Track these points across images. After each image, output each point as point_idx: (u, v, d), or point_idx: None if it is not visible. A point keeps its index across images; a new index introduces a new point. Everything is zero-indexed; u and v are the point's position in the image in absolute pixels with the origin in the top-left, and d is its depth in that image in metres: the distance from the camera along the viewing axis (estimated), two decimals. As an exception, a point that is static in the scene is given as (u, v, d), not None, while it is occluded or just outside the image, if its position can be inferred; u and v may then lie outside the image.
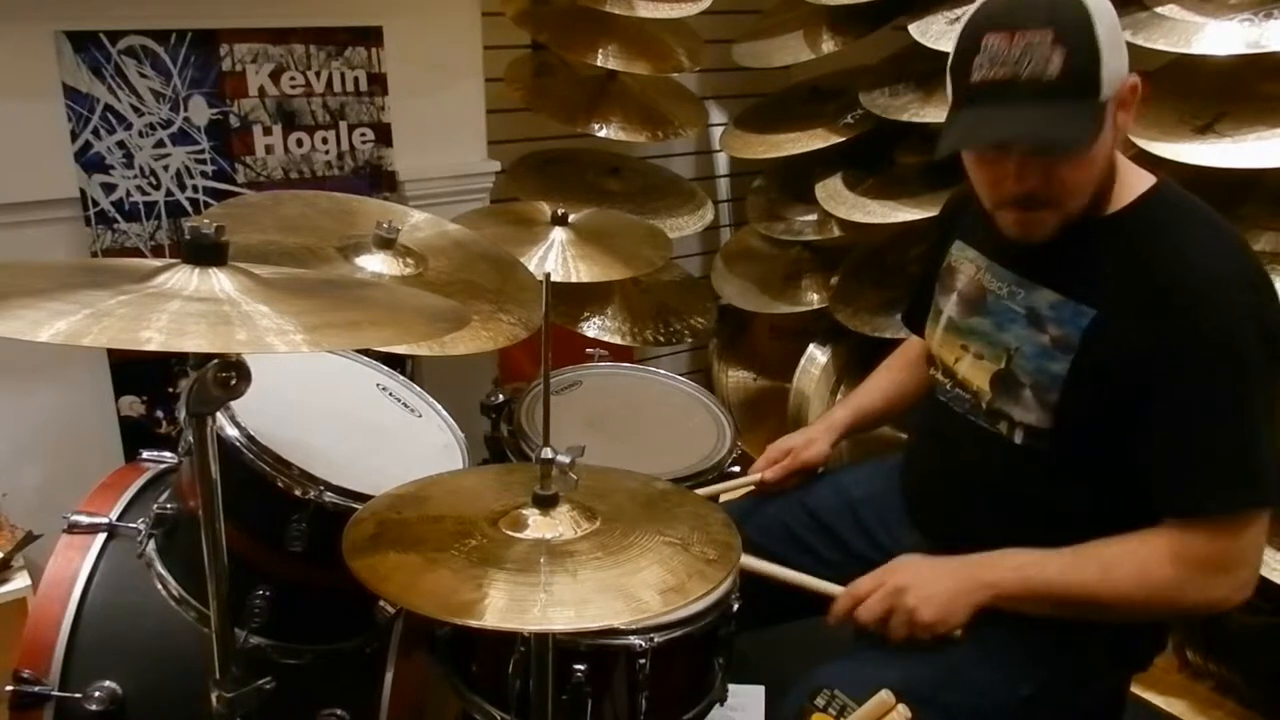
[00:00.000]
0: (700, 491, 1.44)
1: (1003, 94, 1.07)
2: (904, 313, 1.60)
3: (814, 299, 2.47)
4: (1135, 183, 1.18)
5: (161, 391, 1.87)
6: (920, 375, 1.57)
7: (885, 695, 1.07)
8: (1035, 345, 1.20)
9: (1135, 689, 1.78)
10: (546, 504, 1.00)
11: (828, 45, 2.28)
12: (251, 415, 1.19)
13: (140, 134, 1.78)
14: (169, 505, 1.26)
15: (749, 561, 1.32)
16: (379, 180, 2.04)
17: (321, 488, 1.18)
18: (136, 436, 1.85)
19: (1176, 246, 1.12)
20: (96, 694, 1.20)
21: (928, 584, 1.18)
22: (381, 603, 1.26)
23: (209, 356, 0.86)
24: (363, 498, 1.14)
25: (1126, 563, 1.13)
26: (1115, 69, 1.07)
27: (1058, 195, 1.13)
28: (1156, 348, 1.10)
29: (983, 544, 1.26)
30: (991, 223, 1.25)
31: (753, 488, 1.54)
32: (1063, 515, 1.22)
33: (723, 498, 1.53)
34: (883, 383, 1.61)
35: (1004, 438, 1.24)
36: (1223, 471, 1.10)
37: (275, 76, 1.88)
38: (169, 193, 1.83)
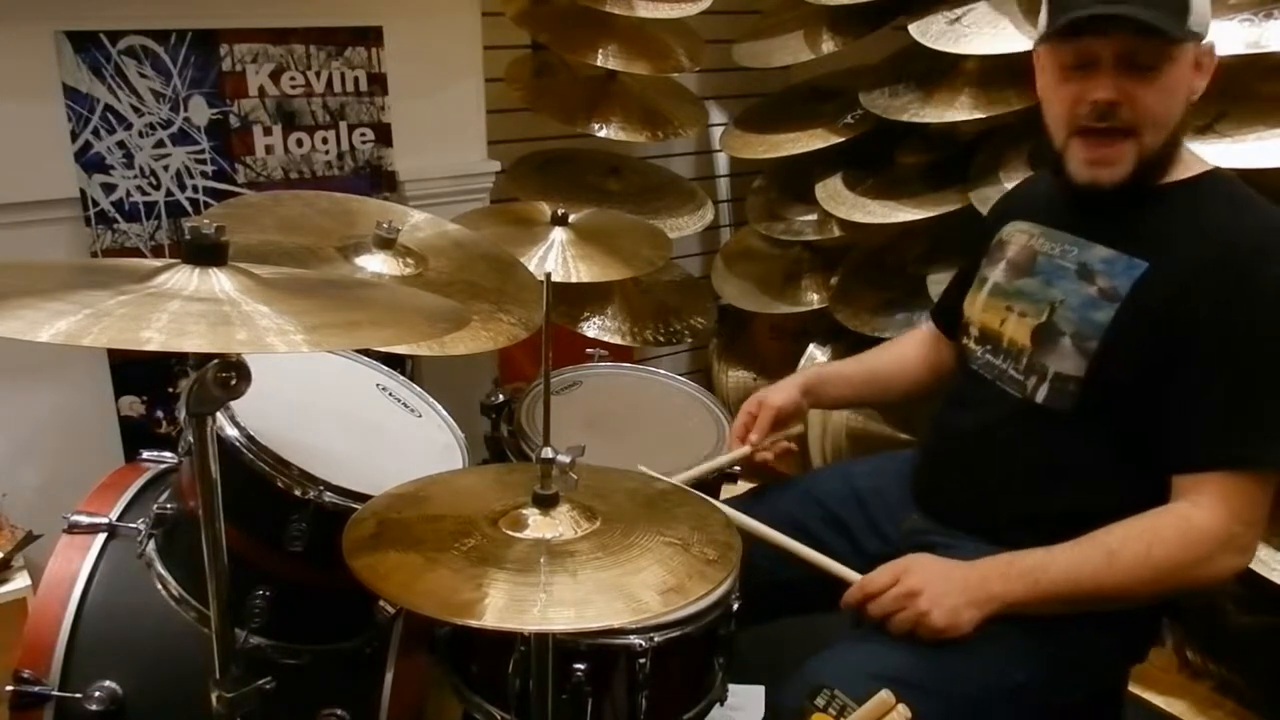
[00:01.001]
0: (692, 473, 1.44)
1: None
2: (935, 307, 1.61)
3: (814, 299, 2.47)
4: (1193, 164, 1.23)
5: (161, 391, 1.87)
6: (906, 371, 1.59)
7: (885, 695, 1.07)
8: (1081, 296, 1.22)
9: (1135, 689, 1.79)
10: (546, 504, 1.00)
11: (828, 45, 2.28)
12: (251, 415, 1.19)
13: (140, 134, 1.78)
14: (169, 505, 1.26)
15: (768, 533, 1.32)
16: (379, 180, 2.04)
17: (321, 488, 1.18)
18: (136, 436, 1.85)
19: (1233, 213, 1.17)
20: (96, 694, 1.20)
21: (941, 592, 1.17)
22: (381, 603, 1.26)
23: (209, 356, 0.86)
24: (363, 498, 1.14)
25: (1130, 546, 1.13)
26: (1202, 12, 1.13)
27: (1137, 117, 1.16)
28: (1206, 302, 1.12)
29: (987, 517, 1.28)
30: (1056, 190, 1.30)
31: (745, 459, 1.52)
32: (1073, 481, 1.23)
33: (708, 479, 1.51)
34: (864, 358, 1.63)
35: (1025, 396, 1.25)
36: (1257, 423, 1.12)
37: (275, 76, 1.88)
38: (169, 193, 1.83)
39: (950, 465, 1.38)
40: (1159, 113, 1.16)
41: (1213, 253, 1.14)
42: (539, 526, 0.98)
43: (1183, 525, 1.12)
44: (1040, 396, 1.24)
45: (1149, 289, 1.17)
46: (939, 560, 1.22)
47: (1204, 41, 1.16)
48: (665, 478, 1.29)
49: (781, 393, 1.53)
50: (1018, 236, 1.35)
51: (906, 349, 1.61)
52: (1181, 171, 1.22)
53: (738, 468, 1.57)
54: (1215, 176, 1.23)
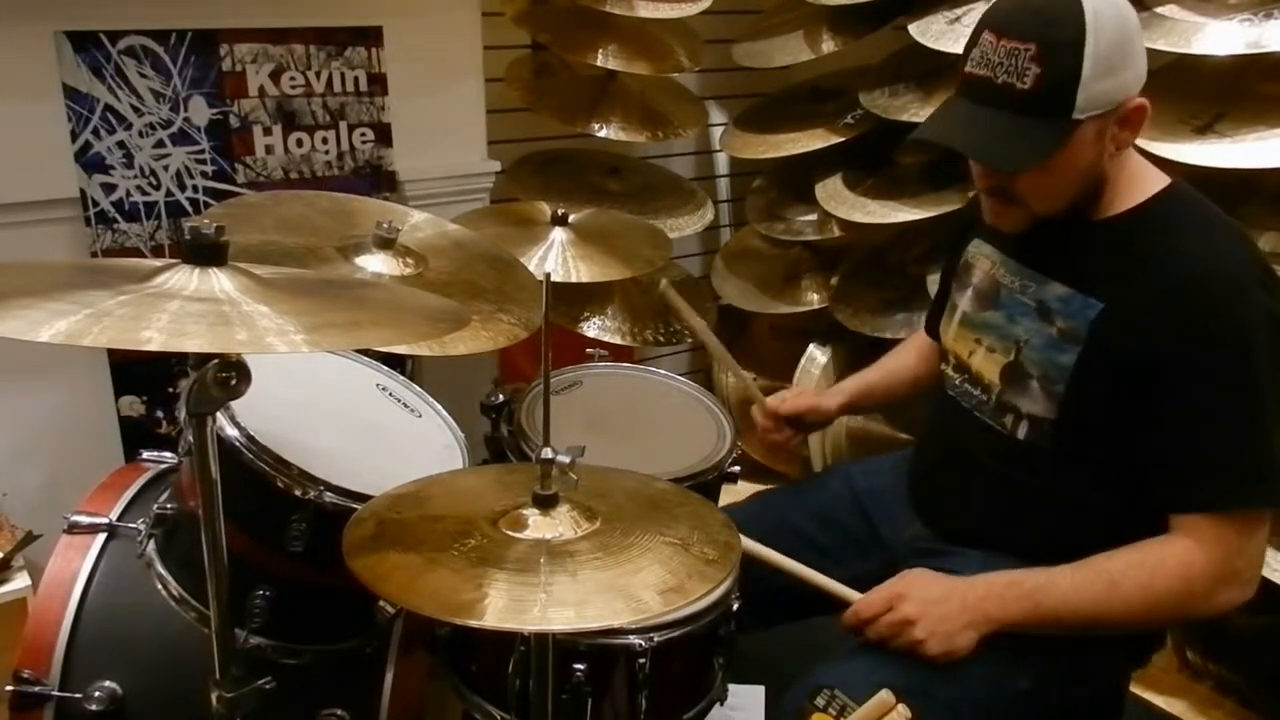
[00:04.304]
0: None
1: (980, 93, 1.13)
2: (926, 319, 1.62)
3: (814, 299, 2.47)
4: (1146, 184, 1.19)
5: (161, 391, 1.87)
6: (921, 364, 1.60)
7: (885, 695, 1.07)
8: (1044, 337, 1.21)
9: (1135, 689, 1.79)
10: (546, 504, 1.00)
11: (828, 45, 2.28)
12: (251, 415, 1.19)
13: (140, 134, 1.78)
14: (169, 505, 1.26)
15: (764, 552, 1.32)
16: (379, 180, 2.04)
17: (321, 488, 1.18)
18: (136, 436, 1.85)
19: (1187, 244, 1.13)
20: (96, 694, 1.20)
21: (937, 617, 1.17)
22: (381, 603, 1.26)
23: (209, 356, 0.86)
24: (363, 498, 1.14)
25: (1133, 576, 1.13)
26: (1101, 91, 1.08)
27: (1019, 196, 1.18)
28: (1166, 343, 1.11)
29: (985, 537, 1.28)
30: None
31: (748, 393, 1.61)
32: (1062, 509, 1.23)
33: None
34: (887, 364, 1.65)
35: (1007, 433, 1.25)
36: (1232, 468, 1.11)
37: (275, 76, 1.88)
38: (169, 193, 1.83)
39: (942, 488, 1.38)
40: (1041, 191, 1.16)
41: (1166, 289, 1.11)
42: (539, 526, 0.98)
43: (1185, 559, 1.12)
44: (1022, 433, 1.24)
45: (1106, 330, 1.15)
46: (936, 579, 1.22)
47: (1120, 103, 1.11)
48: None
49: (828, 399, 1.59)
50: (981, 262, 1.34)
51: (909, 359, 1.63)
52: (1133, 196, 1.18)
53: (737, 468, 1.57)
54: (1169, 198, 1.18)
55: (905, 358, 1.63)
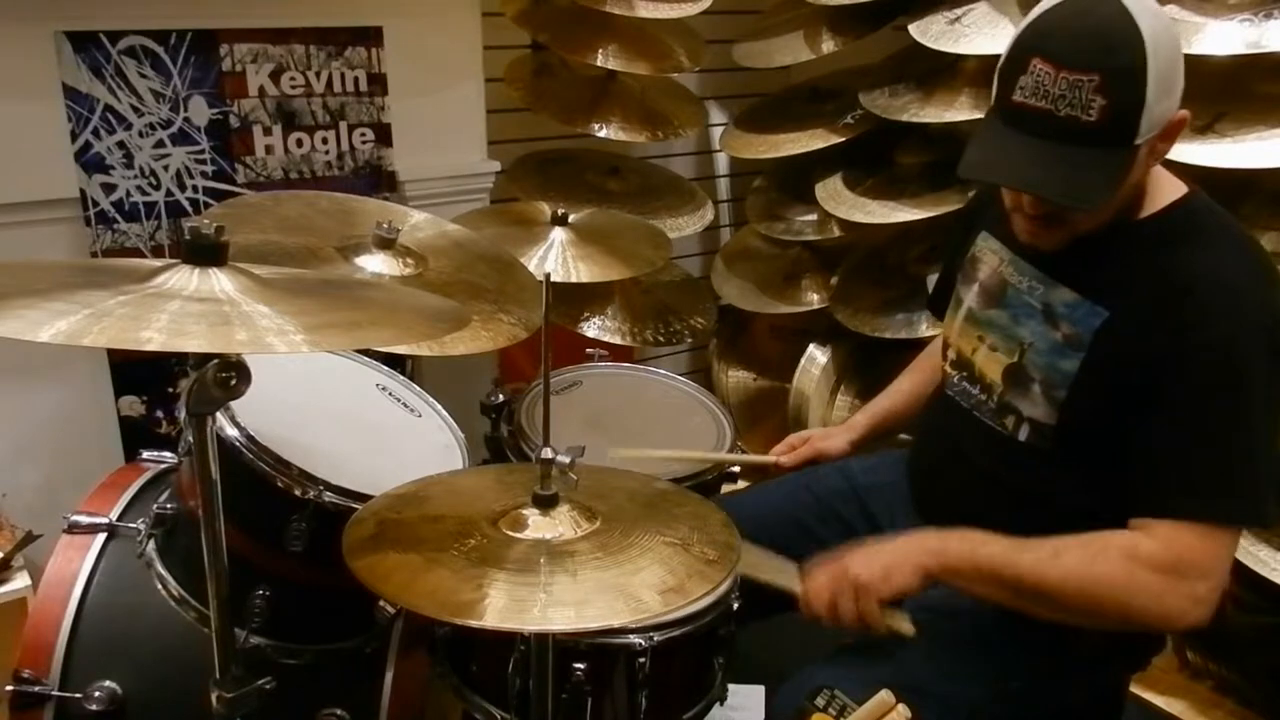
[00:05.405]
0: (712, 456, 1.54)
1: (1037, 125, 1.07)
2: (930, 297, 1.60)
3: (814, 299, 2.46)
4: (1165, 191, 1.18)
5: (161, 391, 1.87)
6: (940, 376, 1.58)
7: (885, 695, 1.07)
8: (1048, 341, 1.20)
9: (1135, 689, 1.79)
10: (546, 504, 1.00)
11: (828, 45, 2.28)
12: (251, 415, 1.19)
13: (140, 134, 1.78)
14: (169, 505, 1.26)
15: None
16: (379, 180, 2.04)
17: (321, 488, 1.18)
18: (136, 436, 1.85)
19: (1194, 256, 1.12)
20: (96, 694, 1.20)
21: (871, 555, 1.16)
22: (381, 603, 1.26)
23: (209, 356, 0.86)
24: (363, 498, 1.14)
25: (1076, 551, 1.11)
26: (1161, 112, 1.06)
27: (1070, 220, 1.15)
28: (1164, 353, 1.10)
29: None
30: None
31: (766, 468, 1.57)
32: (1061, 512, 1.22)
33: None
34: (904, 384, 1.61)
35: (1008, 434, 1.25)
36: (1204, 479, 1.09)
37: (275, 76, 1.88)
38: (169, 193, 1.83)
39: (942, 489, 1.37)
40: (1091, 215, 1.13)
41: (1167, 297, 1.10)
42: (539, 526, 0.98)
43: (1129, 549, 1.10)
44: (1023, 435, 1.23)
45: (1110, 339, 1.14)
46: (873, 543, 1.21)
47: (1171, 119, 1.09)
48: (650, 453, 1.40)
49: (832, 441, 1.55)
50: (989, 257, 1.33)
51: (927, 375, 1.58)
52: (1151, 204, 1.17)
53: (737, 468, 1.57)
54: (1185, 208, 1.16)
55: (923, 376, 1.60)
